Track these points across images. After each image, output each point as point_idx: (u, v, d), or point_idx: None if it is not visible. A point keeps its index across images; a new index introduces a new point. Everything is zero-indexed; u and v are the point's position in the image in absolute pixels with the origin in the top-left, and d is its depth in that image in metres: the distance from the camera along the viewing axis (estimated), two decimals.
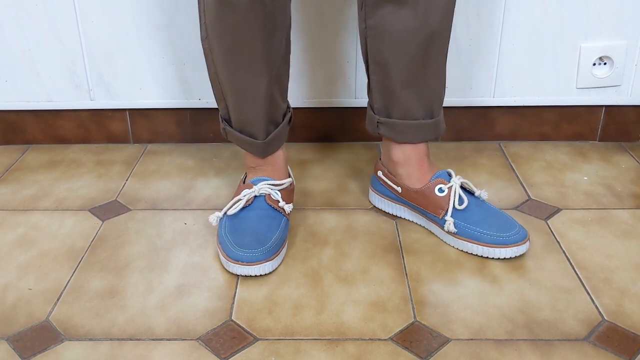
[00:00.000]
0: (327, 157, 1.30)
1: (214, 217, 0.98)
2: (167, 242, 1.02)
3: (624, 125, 1.33)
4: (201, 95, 1.30)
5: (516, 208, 1.10)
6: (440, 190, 1.00)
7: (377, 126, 1.03)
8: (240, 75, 0.95)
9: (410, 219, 1.06)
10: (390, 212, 1.08)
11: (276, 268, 0.95)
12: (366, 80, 1.02)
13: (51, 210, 1.11)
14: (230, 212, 0.98)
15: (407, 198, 1.04)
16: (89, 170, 1.25)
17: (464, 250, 0.98)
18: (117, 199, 1.15)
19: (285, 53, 0.98)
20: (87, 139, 1.36)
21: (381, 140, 1.09)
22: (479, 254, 0.96)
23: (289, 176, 1.07)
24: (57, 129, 1.34)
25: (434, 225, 1.02)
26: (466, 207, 0.98)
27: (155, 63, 1.28)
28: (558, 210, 1.10)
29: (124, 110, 1.33)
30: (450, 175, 1.02)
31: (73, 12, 1.23)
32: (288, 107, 1.06)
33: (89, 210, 1.11)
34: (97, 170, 1.25)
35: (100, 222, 1.08)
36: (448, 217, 0.98)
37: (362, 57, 1.02)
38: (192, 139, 1.36)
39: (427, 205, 1.01)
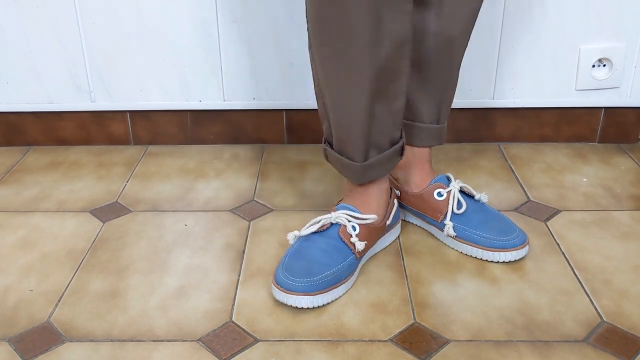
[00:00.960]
0: None
1: (292, 235, 0.92)
2: (167, 243, 1.02)
3: (624, 127, 1.33)
4: (201, 97, 1.30)
5: (516, 209, 1.11)
6: (439, 194, 1.00)
7: None
8: (341, 86, 0.87)
9: (411, 221, 1.07)
10: None
11: (320, 306, 0.88)
12: None
13: (52, 211, 1.12)
14: (302, 233, 0.92)
15: (406, 202, 1.04)
16: (89, 172, 1.25)
17: (463, 252, 0.98)
18: (118, 201, 1.15)
19: (397, 69, 0.86)
20: (87, 140, 1.36)
21: None
22: (478, 257, 0.97)
23: (385, 213, 0.97)
24: (57, 130, 1.35)
25: (434, 228, 1.02)
26: (465, 210, 0.99)
27: (156, 65, 1.28)
28: (557, 211, 1.10)
29: (125, 111, 1.33)
30: (449, 179, 1.02)
31: (74, 14, 1.23)
32: (401, 136, 0.95)
33: (90, 212, 1.11)
34: (97, 171, 1.25)
35: (101, 224, 1.08)
36: (447, 221, 0.98)
37: None
38: (192, 140, 1.36)
39: (425, 209, 1.01)
